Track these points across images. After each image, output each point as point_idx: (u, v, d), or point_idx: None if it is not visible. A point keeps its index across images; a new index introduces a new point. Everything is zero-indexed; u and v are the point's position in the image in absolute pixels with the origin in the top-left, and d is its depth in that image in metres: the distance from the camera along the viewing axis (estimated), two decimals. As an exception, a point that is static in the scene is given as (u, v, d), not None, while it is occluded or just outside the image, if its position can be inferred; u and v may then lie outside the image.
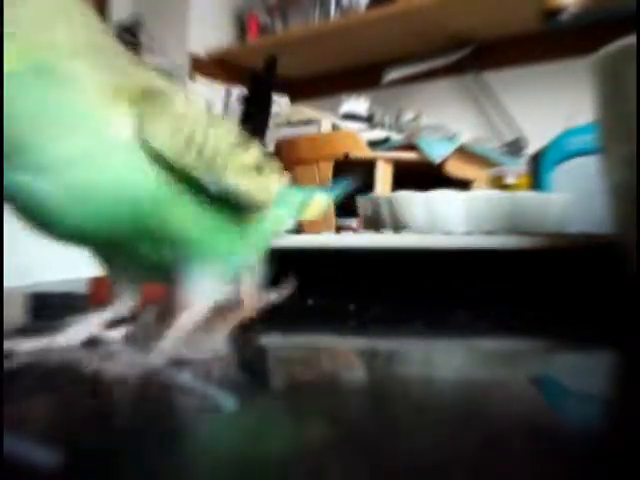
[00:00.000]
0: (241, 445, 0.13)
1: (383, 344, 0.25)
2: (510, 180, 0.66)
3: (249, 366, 0.21)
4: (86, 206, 0.17)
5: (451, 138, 1.36)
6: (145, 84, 0.19)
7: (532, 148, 0.92)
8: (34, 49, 0.17)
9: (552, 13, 1.36)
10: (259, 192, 0.21)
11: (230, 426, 0.15)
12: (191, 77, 1.97)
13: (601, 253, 0.33)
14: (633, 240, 0.26)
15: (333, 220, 1.22)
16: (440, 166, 1.24)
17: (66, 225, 0.18)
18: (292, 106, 1.84)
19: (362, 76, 1.91)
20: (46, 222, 0.18)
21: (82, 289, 0.41)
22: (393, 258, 0.36)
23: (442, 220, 0.42)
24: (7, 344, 0.20)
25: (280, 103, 1.82)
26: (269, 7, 1.99)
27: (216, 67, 2.01)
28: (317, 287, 0.37)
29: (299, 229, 0.47)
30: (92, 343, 0.22)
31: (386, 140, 1.33)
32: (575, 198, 0.45)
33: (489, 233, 0.38)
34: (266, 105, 1.48)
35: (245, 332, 0.28)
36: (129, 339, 0.22)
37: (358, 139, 1.29)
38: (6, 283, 0.32)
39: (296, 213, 0.27)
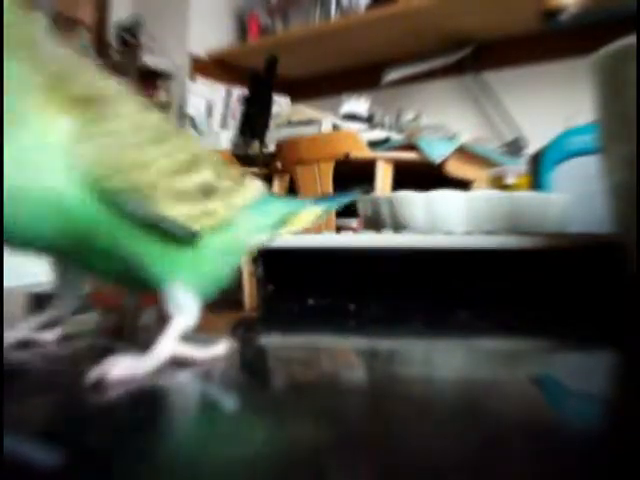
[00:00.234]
0: (241, 445, 0.13)
1: (383, 344, 0.25)
2: (510, 180, 0.66)
3: (249, 366, 0.21)
4: (21, 214, 0.17)
5: (451, 138, 1.36)
6: (87, 92, 0.18)
7: (532, 148, 0.92)
8: None
9: (552, 13, 1.36)
10: (198, 218, 0.20)
11: (230, 426, 0.15)
12: (191, 77, 1.97)
13: (601, 253, 0.33)
14: (633, 240, 0.26)
15: (333, 220, 1.22)
16: (440, 166, 1.24)
17: (11, 231, 0.17)
18: (292, 106, 1.84)
19: (362, 76, 1.91)
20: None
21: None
22: (393, 258, 0.36)
23: (442, 220, 0.42)
24: None
25: (280, 103, 1.82)
26: (270, 7, 1.99)
27: (216, 67, 2.01)
28: (317, 287, 0.37)
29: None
30: (26, 345, 0.22)
31: (386, 140, 1.33)
32: (575, 198, 0.45)
33: (489, 233, 0.38)
34: (266, 105, 1.48)
35: (245, 332, 0.28)
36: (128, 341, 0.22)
37: (358, 139, 1.29)
38: (6, 283, 0.32)
39: (279, 224, 0.26)
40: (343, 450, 0.13)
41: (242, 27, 2.10)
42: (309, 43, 1.83)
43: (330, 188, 1.29)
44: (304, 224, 0.27)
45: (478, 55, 1.74)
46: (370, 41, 1.77)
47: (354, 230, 1.09)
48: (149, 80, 1.96)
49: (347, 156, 1.25)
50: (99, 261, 0.20)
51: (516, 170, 0.67)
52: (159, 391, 0.17)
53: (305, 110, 1.56)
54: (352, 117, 1.52)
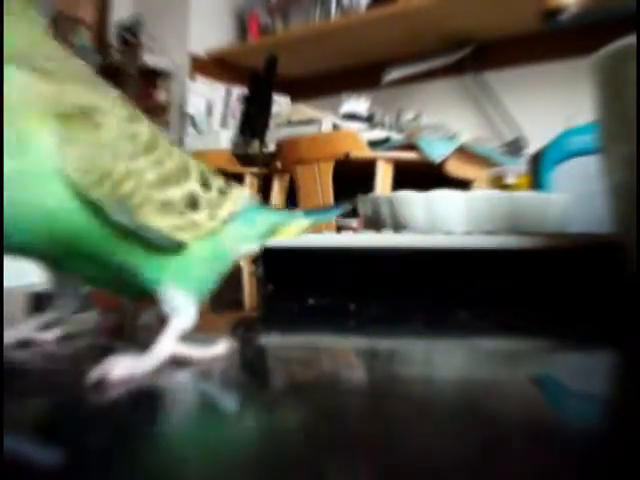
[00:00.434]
0: (240, 445, 0.13)
1: (383, 344, 0.25)
2: (510, 180, 0.66)
3: (249, 366, 0.21)
4: (13, 221, 0.17)
5: (451, 138, 1.36)
6: (78, 100, 0.18)
7: (532, 148, 0.93)
8: None
9: (552, 13, 1.36)
10: (183, 229, 0.20)
11: (229, 426, 0.15)
12: (191, 77, 1.97)
13: (601, 253, 0.33)
14: (633, 240, 0.26)
15: (333, 220, 1.22)
16: (440, 166, 1.24)
17: (9, 236, 0.18)
18: (292, 106, 1.84)
19: (362, 76, 1.92)
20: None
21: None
22: (393, 258, 0.36)
23: (442, 220, 0.42)
24: None
25: (280, 103, 1.83)
26: (270, 7, 1.99)
27: (216, 67, 2.02)
28: (317, 287, 0.37)
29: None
30: (26, 345, 0.22)
31: (386, 140, 1.33)
32: (575, 198, 0.45)
33: (489, 233, 0.38)
34: (266, 105, 1.48)
35: (245, 332, 0.28)
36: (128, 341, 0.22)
37: (358, 139, 1.29)
38: (6, 283, 0.32)
39: (266, 235, 0.26)
40: (343, 450, 0.13)
41: (242, 26, 2.10)
42: (309, 42, 1.83)
43: (330, 188, 1.29)
44: (291, 235, 0.27)
45: (478, 55, 1.74)
46: (370, 41, 1.77)
47: (354, 230, 1.09)
48: (149, 79, 1.96)
49: (347, 156, 1.25)
50: (90, 267, 0.20)
51: (516, 170, 0.67)
52: (159, 391, 0.18)
53: (305, 110, 1.56)
54: (352, 117, 1.52)
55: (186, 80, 1.95)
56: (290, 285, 0.40)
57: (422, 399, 0.16)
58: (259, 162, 1.40)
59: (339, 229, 1.17)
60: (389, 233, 0.43)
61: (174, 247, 0.20)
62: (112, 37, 2.01)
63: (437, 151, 1.24)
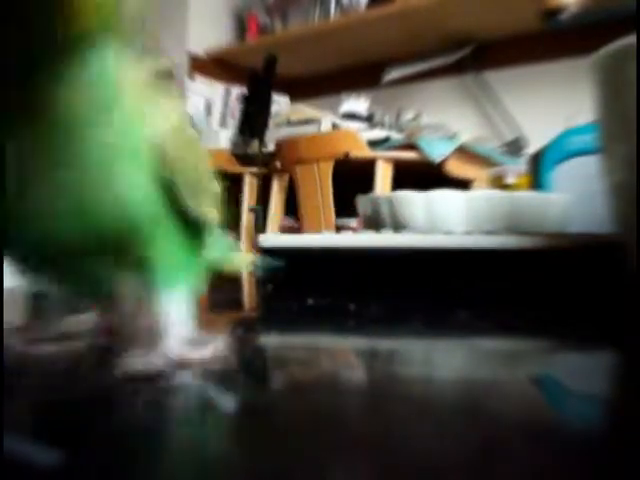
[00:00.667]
0: (240, 444, 0.13)
1: (383, 344, 0.25)
2: (510, 180, 0.66)
3: (248, 366, 0.21)
4: (72, 214, 0.16)
5: (451, 138, 1.36)
6: (163, 86, 0.18)
7: (532, 148, 0.92)
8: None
9: (552, 13, 1.36)
10: (216, 221, 0.21)
11: (229, 425, 0.15)
12: (190, 76, 1.97)
13: (601, 253, 0.33)
14: (633, 240, 0.26)
15: (333, 220, 1.22)
16: (440, 166, 1.24)
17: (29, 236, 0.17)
18: (292, 105, 1.84)
19: (362, 76, 1.91)
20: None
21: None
22: (393, 258, 0.36)
23: (442, 220, 0.42)
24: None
25: (280, 102, 1.82)
26: (269, 7, 1.99)
27: (215, 67, 2.01)
28: (317, 287, 0.37)
29: (299, 228, 0.47)
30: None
31: (386, 140, 1.33)
32: (575, 198, 0.45)
33: (489, 233, 0.38)
34: (266, 104, 1.48)
35: (245, 332, 0.28)
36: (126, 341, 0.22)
37: (358, 138, 1.29)
38: (6, 283, 0.32)
39: (210, 264, 0.26)
40: (343, 450, 0.13)
41: (241, 26, 2.10)
42: (308, 42, 1.83)
43: (329, 187, 1.29)
44: (233, 269, 0.27)
45: (478, 54, 1.74)
46: (370, 40, 1.77)
47: (354, 230, 1.09)
48: (149, 79, 1.95)
49: (347, 155, 1.25)
50: (92, 271, 0.19)
51: (516, 170, 0.67)
52: (159, 391, 0.17)
53: (304, 109, 1.56)
54: (352, 116, 1.52)
55: (185, 79, 1.95)
56: (290, 285, 0.40)
57: (422, 399, 0.16)
58: (258, 162, 1.40)
59: (339, 229, 1.17)
60: (389, 233, 0.43)
61: (223, 244, 0.20)
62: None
63: (437, 151, 1.24)
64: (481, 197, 0.41)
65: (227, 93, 1.93)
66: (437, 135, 1.39)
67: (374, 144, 1.29)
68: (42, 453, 0.12)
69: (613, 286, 0.31)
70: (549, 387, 0.19)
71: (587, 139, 0.53)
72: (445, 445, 0.13)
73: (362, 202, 0.48)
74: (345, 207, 1.10)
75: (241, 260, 0.28)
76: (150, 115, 0.17)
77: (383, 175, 1.26)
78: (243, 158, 1.44)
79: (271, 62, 1.48)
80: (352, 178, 1.16)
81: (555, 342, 0.25)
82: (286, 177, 1.40)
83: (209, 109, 1.91)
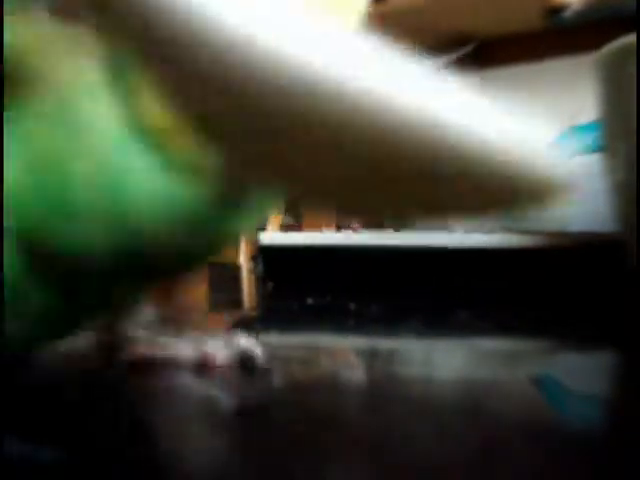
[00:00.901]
0: (240, 444, 0.13)
1: (383, 344, 0.25)
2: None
3: (249, 366, 0.21)
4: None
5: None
6: None
7: (534, 146, 0.92)
8: None
9: (555, 10, 1.35)
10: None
11: (229, 425, 0.14)
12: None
13: (603, 251, 0.32)
14: (634, 238, 0.26)
15: (333, 219, 1.21)
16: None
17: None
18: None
19: (363, 74, 1.91)
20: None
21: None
22: (393, 257, 0.36)
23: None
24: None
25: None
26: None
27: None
28: (317, 286, 0.37)
29: (299, 227, 0.47)
30: None
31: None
32: (577, 197, 0.45)
33: (489, 232, 0.38)
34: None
35: (245, 331, 0.28)
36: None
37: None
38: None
39: None
40: (343, 450, 0.13)
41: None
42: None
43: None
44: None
45: (480, 52, 1.73)
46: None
47: (354, 229, 1.09)
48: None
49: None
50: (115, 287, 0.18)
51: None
52: (159, 391, 0.17)
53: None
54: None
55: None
56: (290, 283, 0.40)
57: (422, 399, 0.16)
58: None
59: (339, 228, 1.17)
60: (389, 232, 0.43)
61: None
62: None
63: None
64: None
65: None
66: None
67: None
68: (42, 453, 0.12)
69: (614, 285, 0.31)
70: (549, 387, 0.19)
71: (590, 137, 0.53)
72: (445, 445, 0.13)
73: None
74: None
75: None
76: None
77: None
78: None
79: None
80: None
81: (555, 342, 0.25)
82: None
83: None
